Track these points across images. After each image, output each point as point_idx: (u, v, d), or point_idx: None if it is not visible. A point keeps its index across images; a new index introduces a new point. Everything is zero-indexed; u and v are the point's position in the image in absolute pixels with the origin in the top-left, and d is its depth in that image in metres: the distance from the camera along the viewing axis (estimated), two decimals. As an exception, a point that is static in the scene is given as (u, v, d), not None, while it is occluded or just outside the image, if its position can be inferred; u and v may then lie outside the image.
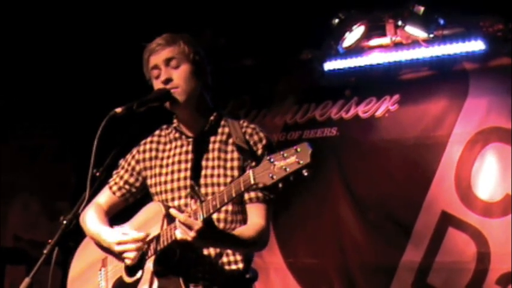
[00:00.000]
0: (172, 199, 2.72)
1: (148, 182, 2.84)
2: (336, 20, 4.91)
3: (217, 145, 2.71)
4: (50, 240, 2.42)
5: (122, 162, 2.93)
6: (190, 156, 2.73)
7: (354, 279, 5.18)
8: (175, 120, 2.80)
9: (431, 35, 4.77)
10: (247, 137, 2.67)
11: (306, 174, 2.17)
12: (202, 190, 2.64)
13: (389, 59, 5.06)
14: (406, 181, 5.05)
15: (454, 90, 5.01)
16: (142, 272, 2.60)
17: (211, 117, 2.74)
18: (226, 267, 2.66)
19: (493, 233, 4.72)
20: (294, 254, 5.38)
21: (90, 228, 2.86)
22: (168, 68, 2.70)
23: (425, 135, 5.05)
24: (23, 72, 5.44)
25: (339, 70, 5.22)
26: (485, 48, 4.75)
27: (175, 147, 2.79)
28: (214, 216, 2.61)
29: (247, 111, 5.69)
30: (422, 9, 4.67)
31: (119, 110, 2.54)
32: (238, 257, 2.67)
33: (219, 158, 2.69)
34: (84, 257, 2.93)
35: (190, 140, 2.76)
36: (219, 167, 2.68)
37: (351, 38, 4.99)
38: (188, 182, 2.69)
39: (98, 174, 2.52)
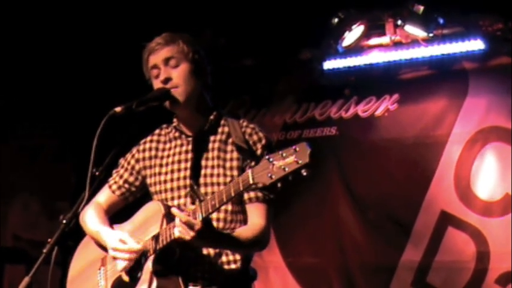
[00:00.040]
0: (172, 198, 2.72)
1: (148, 181, 2.84)
2: (336, 20, 4.92)
3: (217, 144, 2.72)
4: (49, 240, 2.42)
5: (121, 161, 2.93)
6: (190, 155, 2.73)
7: (353, 278, 5.18)
8: (175, 120, 2.81)
9: (431, 35, 4.77)
10: (246, 136, 2.67)
11: (304, 174, 2.17)
12: (202, 190, 2.64)
13: (389, 59, 5.06)
14: (405, 180, 5.05)
15: (453, 89, 5.02)
16: (142, 271, 2.60)
17: (211, 117, 2.74)
18: (226, 266, 2.66)
19: (492, 233, 4.72)
20: (293, 254, 5.38)
21: (89, 228, 2.86)
22: (167, 68, 2.70)
23: (425, 134, 5.05)
24: (23, 72, 5.44)
25: (339, 69, 5.22)
26: (485, 48, 4.76)
27: (175, 146, 2.79)
28: (214, 215, 2.61)
29: (247, 111, 5.69)
30: (421, 8, 4.67)
31: (118, 109, 2.55)
32: (238, 257, 2.67)
33: (218, 158, 2.69)
34: (83, 256, 2.93)
35: (190, 139, 2.76)
36: (218, 166, 2.68)
37: (350, 37, 4.99)
38: (188, 181, 2.69)
39: (97, 173, 2.53)
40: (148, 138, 2.90)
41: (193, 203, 2.59)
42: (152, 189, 2.82)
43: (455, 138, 4.94)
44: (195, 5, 4.95)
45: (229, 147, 2.70)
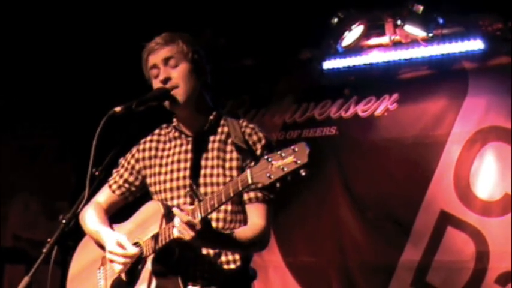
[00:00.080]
0: (172, 198, 2.72)
1: (148, 180, 2.84)
2: (335, 19, 4.91)
3: (216, 144, 2.72)
4: (49, 240, 2.43)
5: (121, 160, 2.93)
6: (189, 155, 2.74)
7: (352, 278, 5.18)
8: (175, 120, 2.81)
9: (431, 34, 4.77)
10: (246, 136, 2.67)
11: (303, 174, 2.17)
12: (202, 189, 2.64)
13: (389, 58, 5.06)
14: (405, 180, 5.05)
15: (453, 89, 5.01)
16: (141, 271, 2.61)
17: (211, 117, 2.74)
18: (225, 266, 2.66)
19: (492, 232, 4.72)
20: (293, 253, 5.38)
21: (89, 227, 2.87)
22: (166, 67, 2.70)
23: (425, 134, 5.05)
24: (23, 72, 5.44)
25: (338, 69, 5.22)
26: (485, 48, 4.75)
27: (175, 146, 2.79)
28: (214, 215, 2.62)
29: (246, 111, 5.69)
30: (421, 8, 4.67)
31: (118, 109, 2.55)
32: (237, 256, 2.67)
33: (218, 158, 2.69)
34: (83, 255, 2.94)
35: (189, 139, 2.76)
36: (218, 166, 2.68)
37: (350, 37, 4.99)
38: (187, 181, 2.69)
39: (97, 173, 2.53)
40: (148, 138, 2.90)
41: (192, 203, 2.60)
42: (152, 189, 2.82)
43: (454, 138, 4.93)
44: (195, 5, 4.95)
45: (228, 147, 2.70)
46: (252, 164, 2.31)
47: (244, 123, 2.74)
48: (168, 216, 2.55)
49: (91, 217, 2.87)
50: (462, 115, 4.95)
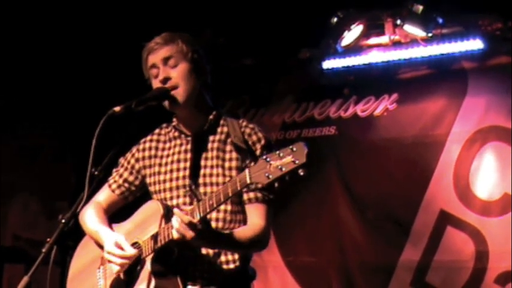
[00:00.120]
0: (171, 198, 2.72)
1: (148, 180, 2.85)
2: (335, 19, 4.91)
3: (216, 144, 2.72)
4: (48, 239, 2.43)
5: (121, 160, 2.94)
6: (189, 155, 2.74)
7: (352, 277, 5.18)
8: (174, 119, 2.81)
9: (430, 34, 4.77)
10: (246, 136, 2.67)
11: (301, 173, 2.17)
12: (201, 189, 2.65)
13: (388, 58, 5.06)
14: (404, 180, 5.05)
15: (452, 89, 5.02)
16: (140, 271, 2.61)
17: (211, 117, 2.74)
18: (224, 266, 2.66)
19: (491, 232, 4.72)
20: (292, 253, 5.38)
21: (89, 227, 2.87)
22: (166, 67, 2.70)
23: (424, 134, 5.05)
24: (23, 72, 5.45)
25: (338, 69, 5.22)
26: (484, 47, 4.75)
27: (175, 146, 2.79)
28: (214, 215, 2.62)
29: (246, 110, 5.69)
30: (420, 8, 4.67)
31: (117, 108, 2.55)
32: (237, 256, 2.67)
33: (217, 158, 2.69)
34: (83, 255, 2.94)
35: (189, 139, 2.76)
36: (217, 166, 2.68)
37: (349, 36, 4.99)
38: (187, 181, 2.69)
39: (96, 173, 2.53)
40: (148, 137, 2.90)
41: (191, 203, 2.60)
42: (151, 188, 2.82)
43: (454, 137, 4.93)
44: (195, 5, 4.95)
45: (228, 147, 2.70)
46: (252, 164, 2.32)
47: (244, 123, 2.73)
48: (168, 216, 2.55)
49: (91, 217, 2.87)
50: (462, 115, 4.95)
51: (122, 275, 2.69)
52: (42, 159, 6.01)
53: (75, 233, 2.67)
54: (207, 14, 5.06)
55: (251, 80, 5.64)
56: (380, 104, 5.24)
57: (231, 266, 2.67)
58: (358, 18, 4.93)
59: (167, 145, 2.83)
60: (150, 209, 2.67)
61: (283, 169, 2.18)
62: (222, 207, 2.62)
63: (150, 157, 2.85)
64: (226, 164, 2.68)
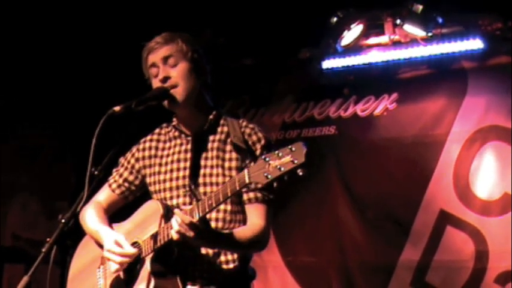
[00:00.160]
0: (171, 198, 2.73)
1: (148, 180, 2.85)
2: (335, 19, 4.91)
3: (216, 144, 2.72)
4: (48, 239, 2.43)
5: (121, 160, 2.94)
6: (189, 155, 2.74)
7: (352, 277, 5.18)
8: (174, 119, 2.81)
9: (430, 34, 4.77)
10: (246, 136, 2.67)
11: (300, 173, 2.17)
12: (201, 189, 2.65)
13: (388, 58, 5.05)
14: (404, 180, 5.04)
15: (452, 88, 5.01)
16: (140, 270, 2.61)
17: (211, 116, 2.74)
18: (224, 266, 2.66)
19: (491, 232, 4.72)
20: (292, 253, 5.38)
21: (89, 226, 2.87)
22: (166, 67, 2.71)
23: (424, 133, 5.05)
24: (23, 72, 5.45)
25: (338, 69, 5.22)
26: (484, 47, 4.75)
27: (175, 145, 2.79)
28: (213, 215, 2.62)
29: (246, 110, 5.69)
30: (420, 7, 4.67)
31: (117, 108, 2.55)
32: (236, 256, 2.67)
33: (217, 158, 2.69)
34: (84, 255, 2.94)
35: (189, 138, 2.77)
36: (217, 166, 2.68)
37: (349, 36, 4.98)
38: (187, 181, 2.69)
39: (96, 173, 2.54)
40: (149, 137, 2.91)
41: (191, 202, 2.60)
42: (151, 188, 2.83)
43: (454, 137, 4.93)
44: (195, 5, 4.95)
45: (228, 147, 2.70)
46: (251, 163, 2.31)
47: (244, 123, 2.74)
48: (167, 215, 2.56)
49: (91, 216, 2.87)
50: (461, 114, 4.95)
51: (121, 275, 2.69)
52: (42, 159, 6.02)
53: (75, 233, 2.67)
54: (207, 14, 5.06)
55: (251, 80, 5.64)
56: (380, 104, 5.24)
57: (231, 265, 2.67)
58: (358, 18, 4.93)
59: (167, 145, 2.83)
60: (150, 209, 2.67)
61: (282, 169, 2.18)
62: (222, 207, 2.62)
63: (150, 157, 2.85)
64: (226, 164, 2.68)
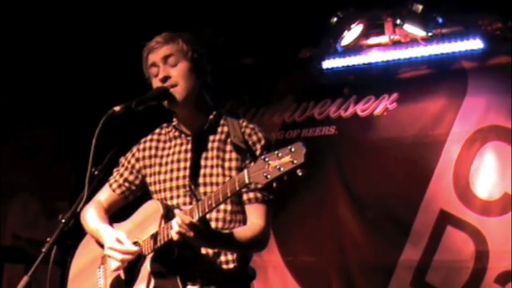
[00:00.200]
0: (171, 197, 2.73)
1: (148, 180, 2.85)
2: (335, 19, 4.92)
3: (216, 144, 2.72)
4: (48, 239, 2.43)
5: (122, 160, 2.94)
6: (189, 155, 2.74)
7: (352, 277, 5.18)
8: (175, 119, 2.81)
9: (430, 34, 4.77)
10: (246, 136, 2.68)
11: (300, 174, 2.17)
12: (201, 189, 2.65)
13: (388, 58, 5.06)
14: (404, 180, 5.05)
15: (452, 88, 5.02)
16: (140, 270, 2.61)
17: (211, 116, 2.74)
18: (224, 266, 2.66)
19: (491, 232, 4.72)
20: (292, 252, 5.38)
21: (89, 225, 2.87)
22: (166, 66, 2.71)
23: (424, 133, 5.05)
24: (23, 72, 5.45)
25: (338, 69, 5.22)
26: (484, 47, 4.75)
27: (175, 145, 2.80)
28: (214, 215, 2.63)
29: (246, 110, 5.70)
30: (420, 7, 4.67)
31: (117, 108, 2.55)
32: (236, 256, 2.67)
33: (217, 158, 2.69)
34: (84, 255, 2.94)
35: (189, 138, 2.77)
36: (217, 166, 2.68)
37: (349, 36, 4.99)
38: (187, 180, 2.69)
39: (96, 172, 2.54)
40: (149, 137, 2.91)
41: (191, 202, 2.60)
42: (152, 188, 2.83)
43: (454, 137, 4.94)
44: (195, 5, 4.95)
45: (228, 147, 2.70)
46: (251, 164, 2.31)
47: (244, 123, 2.74)
48: (167, 215, 2.56)
49: (91, 215, 2.87)
50: (461, 114, 4.95)
51: (122, 274, 2.69)
52: (42, 159, 6.01)
53: (75, 233, 2.67)
54: (207, 14, 5.06)
55: (251, 80, 5.64)
56: (380, 104, 5.24)
57: (231, 265, 2.67)
58: (358, 17, 4.93)
59: (167, 145, 2.83)
60: (150, 209, 2.67)
61: (282, 169, 2.18)
62: (222, 207, 2.63)
63: (150, 157, 2.85)
64: (226, 164, 2.68)
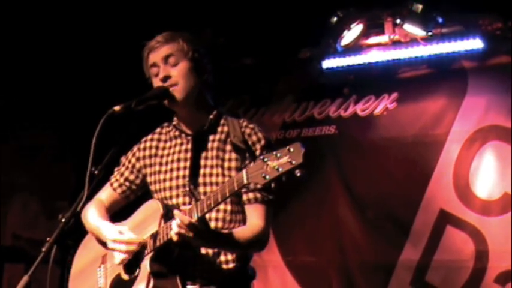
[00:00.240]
0: (171, 197, 2.73)
1: (148, 179, 2.85)
2: (335, 18, 4.92)
3: (216, 144, 2.72)
4: (48, 239, 2.43)
5: (123, 159, 2.94)
6: (189, 154, 2.74)
7: (352, 277, 5.18)
8: (175, 119, 2.81)
9: (430, 33, 4.77)
10: (245, 136, 2.67)
11: (298, 174, 2.16)
12: (201, 189, 2.65)
13: (388, 57, 5.06)
14: (404, 179, 5.05)
15: (452, 88, 5.02)
16: (140, 270, 2.61)
17: (211, 116, 2.74)
18: (224, 265, 2.66)
19: (491, 232, 4.72)
20: (292, 252, 5.38)
21: (90, 223, 2.86)
22: (166, 66, 2.71)
23: (424, 133, 5.05)
24: (23, 72, 5.45)
25: (338, 68, 5.22)
26: (484, 47, 4.75)
27: (175, 145, 2.79)
28: (213, 215, 2.63)
29: (246, 110, 5.70)
30: (420, 7, 4.67)
31: (117, 108, 2.55)
32: (236, 256, 2.67)
33: (217, 157, 2.69)
34: (85, 254, 2.94)
35: (189, 138, 2.77)
36: (217, 166, 2.68)
37: (349, 36, 4.99)
38: (186, 180, 2.69)
39: (96, 172, 2.54)
40: (149, 136, 2.91)
41: (191, 202, 2.60)
42: (152, 187, 2.83)
43: (454, 137, 4.94)
44: (195, 5, 4.95)
45: (228, 147, 2.70)
46: (250, 164, 2.31)
47: (245, 123, 2.73)
48: (167, 215, 2.55)
49: (92, 214, 2.86)
50: (461, 114, 4.95)
51: (122, 274, 2.69)
52: (42, 159, 6.02)
53: (75, 233, 2.67)
54: (207, 14, 5.06)
55: (251, 80, 5.64)
56: (380, 104, 5.24)
57: (231, 265, 2.67)
58: (358, 17, 4.93)
59: (168, 144, 2.83)
60: (150, 208, 2.67)
61: (280, 170, 2.17)
62: (222, 207, 2.62)
63: (150, 156, 2.85)
64: (226, 164, 2.68)
